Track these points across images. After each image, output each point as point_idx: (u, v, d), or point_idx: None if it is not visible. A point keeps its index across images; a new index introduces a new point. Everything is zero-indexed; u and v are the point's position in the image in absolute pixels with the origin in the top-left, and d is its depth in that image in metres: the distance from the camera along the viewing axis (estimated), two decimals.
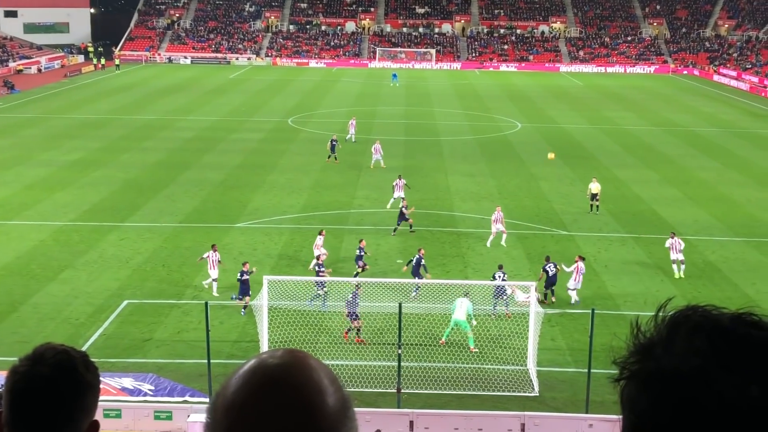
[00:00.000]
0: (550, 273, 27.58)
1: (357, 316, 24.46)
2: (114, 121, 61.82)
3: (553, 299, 27.72)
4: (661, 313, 1.58)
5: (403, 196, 36.85)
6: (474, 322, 24.52)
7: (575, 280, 27.48)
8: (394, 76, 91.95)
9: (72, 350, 2.13)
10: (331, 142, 48.74)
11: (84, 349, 23.13)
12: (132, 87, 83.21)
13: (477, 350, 23.96)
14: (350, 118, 57.36)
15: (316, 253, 29.30)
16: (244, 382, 1.56)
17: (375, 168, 46.23)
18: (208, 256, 27.91)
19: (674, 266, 30.25)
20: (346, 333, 24.58)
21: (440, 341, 24.26)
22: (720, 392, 1.42)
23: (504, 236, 33.17)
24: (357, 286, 24.87)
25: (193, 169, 46.10)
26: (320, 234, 30.59)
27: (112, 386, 20.86)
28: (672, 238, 30.58)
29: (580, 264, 27.44)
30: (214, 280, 27.76)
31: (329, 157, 48.35)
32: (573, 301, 27.60)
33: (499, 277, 26.44)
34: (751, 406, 1.41)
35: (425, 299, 26.03)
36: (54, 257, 31.13)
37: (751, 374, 1.44)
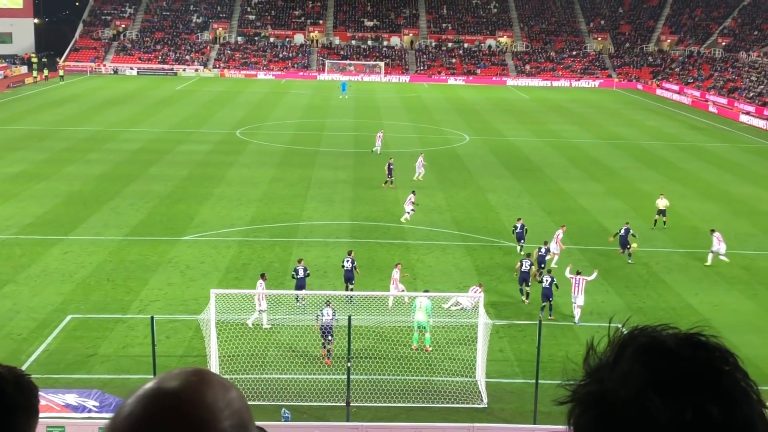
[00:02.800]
0: (523, 269, 28.26)
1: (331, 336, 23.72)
2: (58, 132, 60.81)
3: (527, 301, 28.47)
4: (615, 333, 1.59)
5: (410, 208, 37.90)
6: (431, 321, 24.66)
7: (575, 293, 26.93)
8: (343, 86, 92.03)
9: (3, 370, 2.06)
10: (388, 165, 46.09)
11: (27, 364, 22.64)
12: (76, 98, 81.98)
13: (431, 349, 24.19)
14: (377, 130, 58.96)
15: (398, 289, 27.51)
16: (133, 409, 1.55)
17: (417, 181, 46.06)
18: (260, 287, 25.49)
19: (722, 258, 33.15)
20: (327, 359, 23.68)
21: (412, 347, 24.44)
22: (655, 416, 1.43)
23: (555, 258, 32.37)
24: (328, 303, 24.01)
25: (139, 181, 45.53)
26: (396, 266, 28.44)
27: (55, 403, 20.43)
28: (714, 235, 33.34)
29: (578, 278, 26.90)
30: (262, 311, 25.41)
31: (386, 182, 45.61)
32: (576, 319, 26.94)
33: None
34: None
35: (374, 312, 26.00)
36: None
37: (687, 398, 1.44)
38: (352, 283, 28.17)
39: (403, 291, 27.46)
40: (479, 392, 22.11)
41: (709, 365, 1.48)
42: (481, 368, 22.50)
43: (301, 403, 21.27)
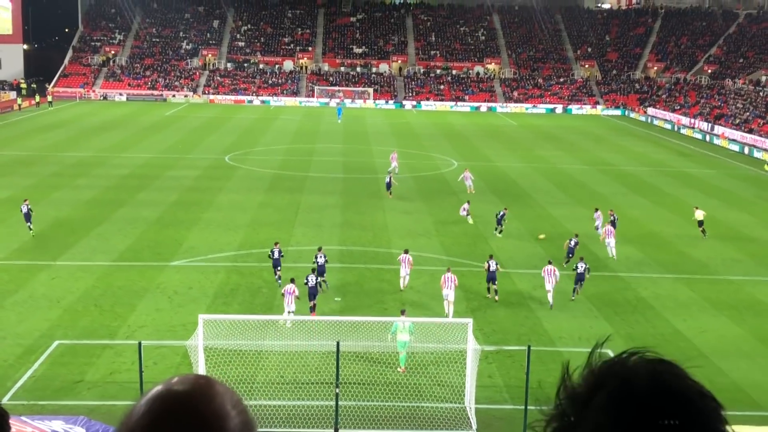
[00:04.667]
0: (491, 269, 31.22)
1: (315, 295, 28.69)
2: (46, 158, 60.71)
3: (497, 298, 31.25)
4: (592, 360, 1.59)
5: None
6: (413, 339, 24.81)
7: (549, 282, 30.59)
8: (339, 111, 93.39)
9: None
10: (389, 179, 50.54)
11: (13, 390, 22.48)
12: (65, 124, 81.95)
13: (405, 371, 24.50)
14: (391, 151, 61.68)
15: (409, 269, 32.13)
16: (146, 409, 1.62)
17: (468, 194, 49.72)
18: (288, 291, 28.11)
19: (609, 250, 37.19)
20: (313, 312, 28.26)
21: (400, 369, 24.63)
22: None
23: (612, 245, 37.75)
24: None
25: (128, 206, 45.45)
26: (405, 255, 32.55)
27: (41, 429, 20.23)
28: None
29: (550, 267, 30.96)
30: (291, 311, 27.79)
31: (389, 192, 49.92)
32: (550, 304, 30.69)
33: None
34: None
35: (363, 337, 25.94)
36: None
37: None
38: (323, 276, 31.18)
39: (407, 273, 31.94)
40: (468, 418, 22.05)
41: (682, 424, 1.45)
42: (470, 394, 22.46)
43: (289, 429, 21.17)
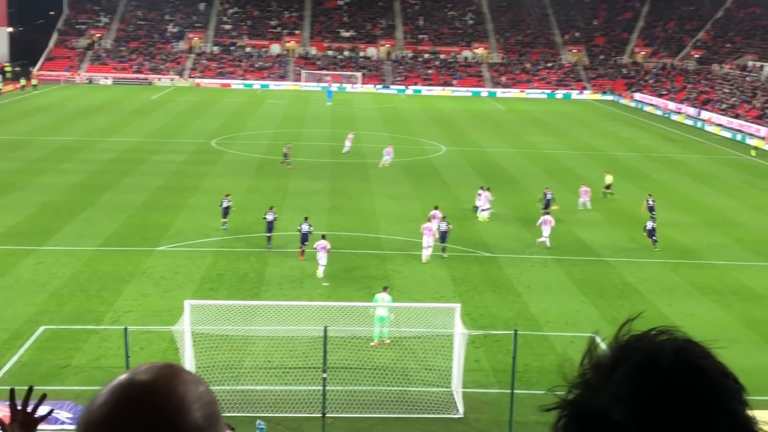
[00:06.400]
0: (442, 229, 34.66)
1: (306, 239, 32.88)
2: (31, 142, 60.31)
3: (445, 255, 34.42)
4: (619, 335, 1.58)
5: (486, 207, 41.62)
6: (392, 316, 25.14)
7: (545, 230, 36.51)
8: (329, 94, 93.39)
9: None
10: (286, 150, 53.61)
11: None
12: (50, 108, 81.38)
13: (389, 342, 25.16)
14: (348, 132, 62.72)
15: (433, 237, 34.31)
16: (107, 399, 1.58)
17: (381, 169, 51.56)
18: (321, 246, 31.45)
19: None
20: (301, 256, 32.94)
21: (373, 343, 25.06)
22: None
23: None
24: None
25: (114, 191, 45.23)
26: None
27: None
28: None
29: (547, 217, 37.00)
30: (322, 265, 31.32)
31: (281, 162, 53.02)
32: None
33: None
34: None
35: (351, 322, 25.96)
36: None
37: (667, 429, 1.42)
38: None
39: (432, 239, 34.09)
40: (455, 402, 22.12)
41: (701, 401, 1.46)
42: (457, 378, 22.52)
43: (276, 415, 21.17)
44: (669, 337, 1.56)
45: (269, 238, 35.02)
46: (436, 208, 37.05)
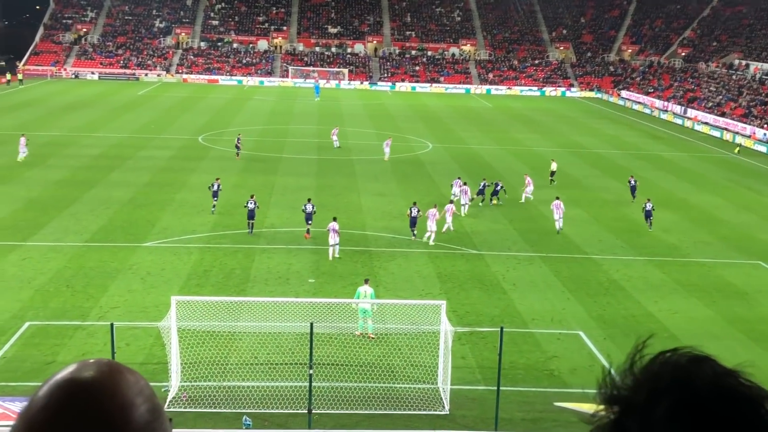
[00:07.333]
0: (413, 215, 36.38)
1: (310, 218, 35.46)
2: (16, 137, 59.86)
3: (414, 238, 36.22)
4: (637, 363, 1.51)
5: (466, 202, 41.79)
6: (374, 307, 25.83)
7: (557, 213, 38.42)
8: (317, 89, 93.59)
9: None
10: (237, 140, 55.42)
11: None
12: (36, 103, 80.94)
13: (374, 337, 25.43)
14: (332, 128, 63.34)
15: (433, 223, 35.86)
16: (47, 398, 1.53)
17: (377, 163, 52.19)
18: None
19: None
20: (307, 234, 35.54)
21: (356, 333, 25.66)
22: None
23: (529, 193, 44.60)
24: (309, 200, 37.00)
25: (100, 186, 45.06)
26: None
27: (13, 411, 20.12)
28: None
29: (557, 201, 38.70)
30: (334, 245, 33.37)
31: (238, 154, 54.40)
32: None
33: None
34: None
35: (337, 319, 25.99)
36: None
37: None
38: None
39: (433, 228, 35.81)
40: (441, 399, 22.18)
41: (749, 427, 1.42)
42: (443, 375, 22.58)
43: (262, 411, 21.19)
44: (700, 366, 1.53)
45: (251, 224, 36.64)
46: (435, 206, 37.71)
